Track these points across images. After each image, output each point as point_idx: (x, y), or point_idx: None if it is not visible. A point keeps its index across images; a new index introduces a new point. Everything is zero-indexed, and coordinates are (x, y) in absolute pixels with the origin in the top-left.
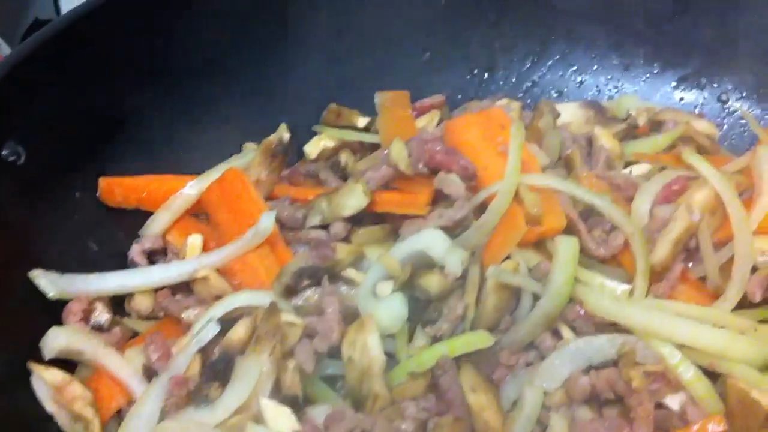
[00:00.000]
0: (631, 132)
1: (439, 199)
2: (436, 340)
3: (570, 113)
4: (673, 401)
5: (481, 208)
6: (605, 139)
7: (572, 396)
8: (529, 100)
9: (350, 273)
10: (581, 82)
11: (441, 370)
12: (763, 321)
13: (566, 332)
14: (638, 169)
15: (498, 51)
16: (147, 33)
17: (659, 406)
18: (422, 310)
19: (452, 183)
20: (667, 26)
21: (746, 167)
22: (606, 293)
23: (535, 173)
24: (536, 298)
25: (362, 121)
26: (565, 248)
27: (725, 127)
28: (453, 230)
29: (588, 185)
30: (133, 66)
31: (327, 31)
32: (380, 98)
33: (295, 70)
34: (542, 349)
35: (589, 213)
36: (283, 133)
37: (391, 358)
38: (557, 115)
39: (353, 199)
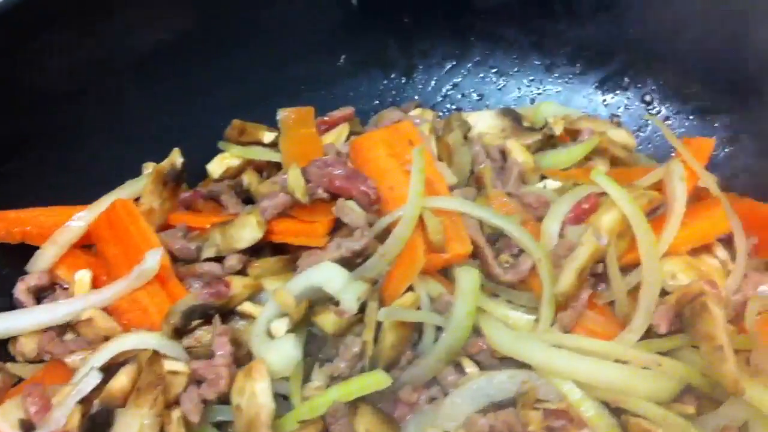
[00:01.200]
0: (548, 141)
1: (340, 226)
2: (333, 379)
3: (486, 123)
4: None
5: (386, 234)
6: (518, 152)
7: None
8: (449, 104)
9: (247, 307)
10: (503, 85)
11: (333, 418)
12: (672, 350)
13: (469, 366)
14: (553, 183)
15: (416, 54)
16: (33, 53)
17: None
18: (320, 348)
19: (351, 211)
20: (589, 25)
21: (660, 181)
22: (510, 325)
23: (441, 195)
24: (440, 329)
25: (268, 137)
26: (466, 279)
27: (649, 128)
28: (354, 260)
29: (498, 205)
30: (17, 89)
31: (233, 40)
32: (283, 115)
33: (200, 84)
34: (445, 385)
35: (497, 235)
36: (176, 159)
37: (287, 400)
38: (468, 129)
39: (247, 232)
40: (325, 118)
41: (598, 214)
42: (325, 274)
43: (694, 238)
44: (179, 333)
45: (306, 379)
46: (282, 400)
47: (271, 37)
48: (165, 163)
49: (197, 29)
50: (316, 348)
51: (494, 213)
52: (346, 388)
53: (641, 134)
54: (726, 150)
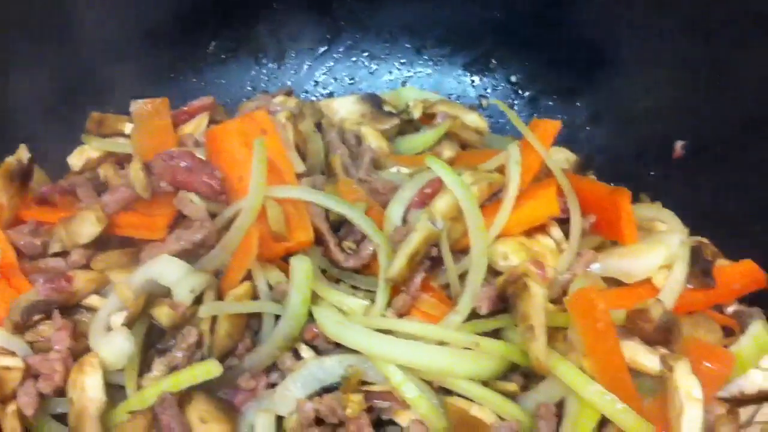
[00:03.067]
0: (407, 126)
1: (184, 219)
2: (172, 369)
3: (346, 109)
4: (403, 419)
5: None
6: (372, 138)
7: (301, 421)
8: (322, 89)
9: (93, 300)
10: (375, 68)
11: (161, 408)
12: (497, 330)
13: (305, 352)
14: (406, 168)
15: (286, 39)
16: None
17: (392, 423)
18: (159, 339)
19: (190, 203)
20: (457, 7)
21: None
22: (344, 310)
23: (286, 184)
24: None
25: (129, 128)
26: (299, 268)
27: (515, 108)
28: (195, 252)
29: (346, 192)
30: None
31: (95, 26)
32: (136, 107)
33: (63, 75)
34: (283, 371)
35: (342, 222)
36: (23, 155)
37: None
38: (320, 117)
39: (86, 227)
40: (185, 108)
41: (434, 199)
42: (161, 266)
43: (526, 219)
44: (21, 328)
45: (148, 369)
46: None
47: (137, 24)
48: (11, 159)
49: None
50: (156, 339)
51: (337, 200)
52: (176, 378)
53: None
54: (588, 129)
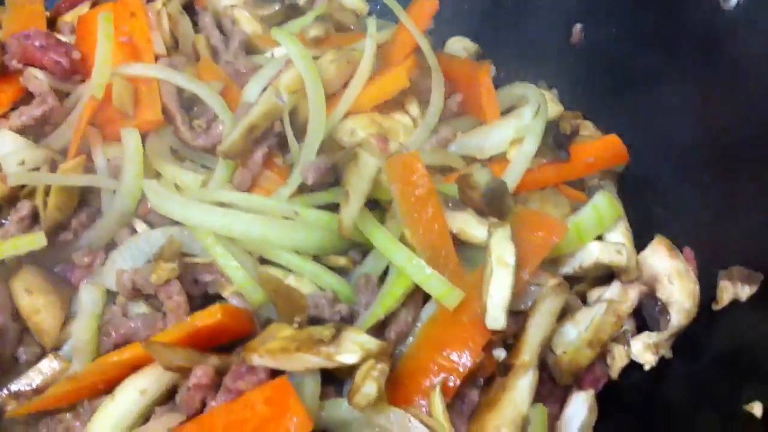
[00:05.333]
0: (294, 13)
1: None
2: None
3: None
4: (228, 292)
5: None
6: (245, 21)
7: (124, 293)
8: None
9: None
10: None
11: None
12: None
13: (140, 226)
14: (279, 51)
15: None
16: None
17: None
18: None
19: (34, 79)
20: None
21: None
22: (179, 185)
23: (140, 63)
24: None
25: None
26: (130, 142)
27: None
28: (41, 130)
29: (205, 73)
30: None
31: None
32: None
33: None
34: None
35: (194, 102)
36: None
37: None
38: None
39: None
40: None
41: (281, 73)
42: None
43: (377, 93)
44: None
45: None
46: None
47: None
48: None
49: None
50: None
51: (188, 78)
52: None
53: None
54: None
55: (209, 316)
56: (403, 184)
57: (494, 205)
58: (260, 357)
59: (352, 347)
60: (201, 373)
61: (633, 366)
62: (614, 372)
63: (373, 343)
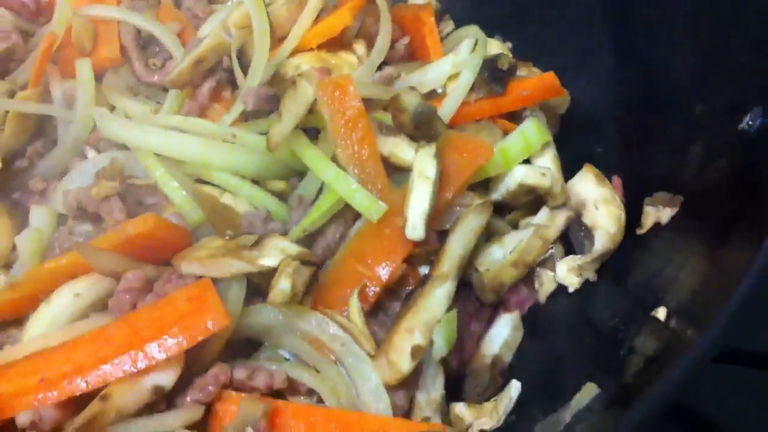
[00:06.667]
0: None
1: None
2: None
3: None
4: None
5: None
6: None
7: (69, 213)
8: None
9: None
10: None
11: None
12: None
13: (91, 154)
14: None
15: None
16: None
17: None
18: None
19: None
20: None
21: None
22: (128, 114)
23: (96, 5)
24: None
25: None
26: (83, 71)
27: None
28: (4, 66)
29: (163, 15)
30: None
31: None
32: None
33: None
34: None
35: (149, 41)
36: None
37: None
38: None
39: None
40: None
41: (230, 9)
42: None
43: (322, 31)
44: None
45: None
46: None
47: None
48: None
49: None
50: None
51: (144, 18)
52: None
53: None
54: None
55: (142, 223)
56: (334, 104)
57: (423, 128)
58: (189, 264)
59: (273, 252)
60: (132, 277)
61: (560, 292)
62: (542, 296)
63: (293, 248)
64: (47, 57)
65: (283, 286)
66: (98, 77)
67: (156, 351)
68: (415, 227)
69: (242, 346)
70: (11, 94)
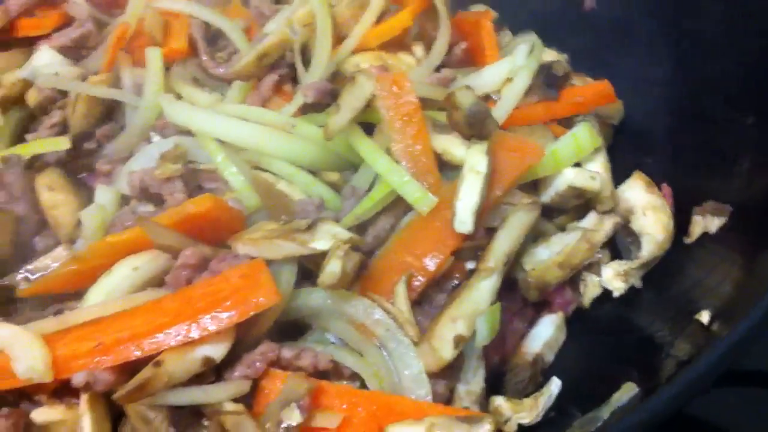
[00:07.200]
0: None
1: None
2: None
3: None
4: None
5: None
6: None
7: (133, 193)
8: None
9: None
10: None
11: (6, 165)
12: None
13: (156, 139)
14: None
15: None
16: None
17: None
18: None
19: (75, 5)
20: None
21: None
22: (193, 101)
23: None
24: None
25: None
26: (152, 59)
27: None
28: (78, 52)
29: (232, 12)
30: None
31: None
32: None
33: None
34: None
35: (217, 36)
36: None
37: None
38: None
39: None
40: None
41: (293, 8)
42: (40, 57)
43: (382, 32)
44: None
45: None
46: None
47: None
48: None
49: None
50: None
51: (213, 13)
52: (26, 145)
53: None
54: None
55: (201, 203)
56: (391, 99)
57: (476, 126)
58: (243, 244)
59: (325, 236)
60: (190, 254)
61: (605, 297)
62: (586, 300)
63: (344, 233)
64: (120, 45)
65: (333, 268)
66: (166, 68)
67: (209, 323)
68: (464, 221)
69: (290, 329)
70: (83, 79)
